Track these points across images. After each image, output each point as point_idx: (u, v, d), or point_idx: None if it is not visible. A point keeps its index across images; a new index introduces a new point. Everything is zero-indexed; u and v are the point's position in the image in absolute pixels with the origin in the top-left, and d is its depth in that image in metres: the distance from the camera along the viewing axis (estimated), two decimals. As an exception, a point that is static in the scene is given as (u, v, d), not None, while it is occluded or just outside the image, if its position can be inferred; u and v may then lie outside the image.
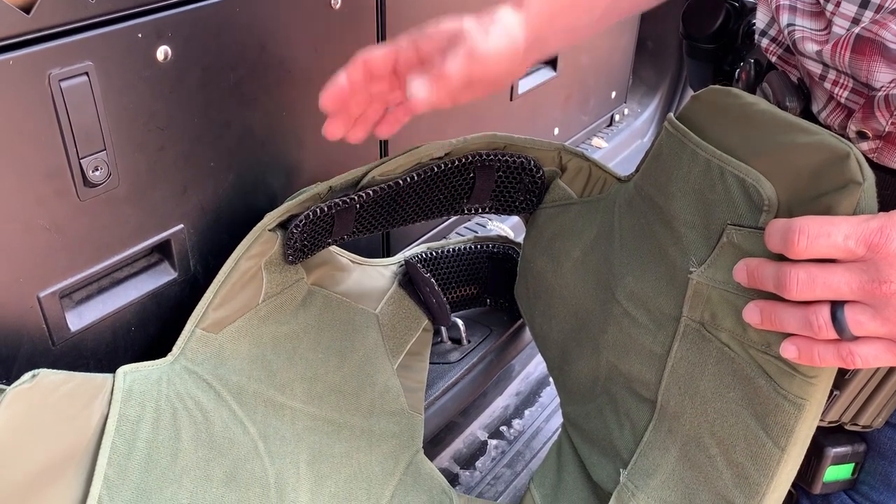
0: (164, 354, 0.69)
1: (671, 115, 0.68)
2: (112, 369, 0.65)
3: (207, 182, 0.73)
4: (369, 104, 0.68)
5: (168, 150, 0.68)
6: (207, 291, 0.70)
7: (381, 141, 0.92)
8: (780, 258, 0.53)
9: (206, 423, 0.68)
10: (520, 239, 0.98)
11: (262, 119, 0.76)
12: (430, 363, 0.90)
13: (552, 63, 1.25)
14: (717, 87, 0.64)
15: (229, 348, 0.72)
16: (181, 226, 0.73)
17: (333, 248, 0.85)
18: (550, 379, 1.13)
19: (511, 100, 1.17)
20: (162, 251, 0.74)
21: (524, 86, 1.19)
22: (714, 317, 0.62)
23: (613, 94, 1.39)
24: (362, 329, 0.84)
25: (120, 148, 0.65)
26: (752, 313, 0.56)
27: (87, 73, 0.59)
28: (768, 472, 0.60)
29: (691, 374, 0.65)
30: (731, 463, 0.63)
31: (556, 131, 1.30)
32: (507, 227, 1.12)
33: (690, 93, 1.54)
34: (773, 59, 0.70)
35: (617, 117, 1.43)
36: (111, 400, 0.63)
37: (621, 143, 1.43)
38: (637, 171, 0.74)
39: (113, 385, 0.64)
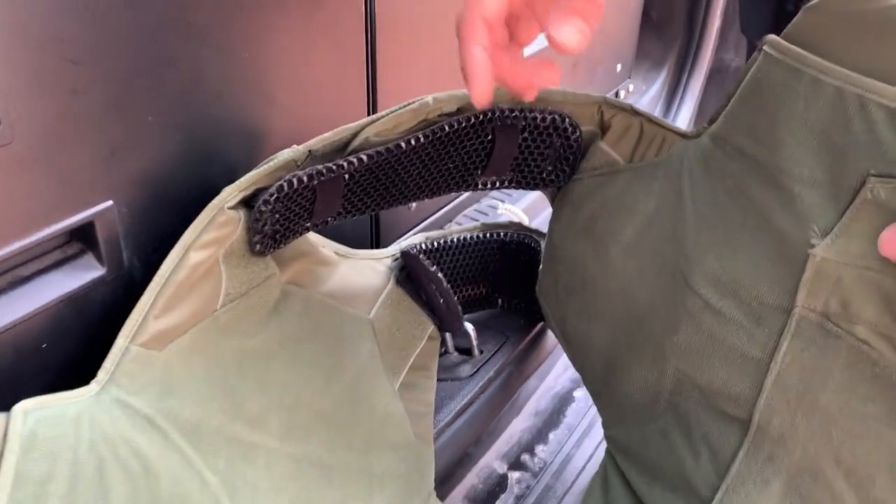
0: (86, 382, 0.51)
1: (772, 36, 0.52)
2: (13, 403, 0.47)
3: (144, 143, 0.56)
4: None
5: (85, 94, 0.51)
6: (146, 293, 0.53)
7: (368, 91, 0.76)
8: None
9: (148, 477, 0.50)
10: (535, 225, 0.83)
11: (217, 59, 0.59)
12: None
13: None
14: None
15: (178, 371, 0.54)
16: (109, 203, 0.55)
17: (312, 237, 0.68)
18: (575, 395, 0.97)
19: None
20: (83, 238, 0.57)
21: (528, 52, 1.04)
22: (846, 305, 0.49)
23: (619, 66, 1.26)
24: (353, 339, 0.68)
25: (16, 88, 0.46)
26: None
27: (-46, -33, 0.41)
28: None
29: (807, 383, 0.52)
30: (867, 501, 0.50)
31: (562, 106, 1.16)
32: (519, 210, 0.96)
33: (700, 68, 1.42)
34: None
35: (622, 94, 1.29)
36: (3, 451, 0.45)
37: (628, 122, 1.29)
38: (711, 121, 0.59)
39: (6, 429, 0.46)
